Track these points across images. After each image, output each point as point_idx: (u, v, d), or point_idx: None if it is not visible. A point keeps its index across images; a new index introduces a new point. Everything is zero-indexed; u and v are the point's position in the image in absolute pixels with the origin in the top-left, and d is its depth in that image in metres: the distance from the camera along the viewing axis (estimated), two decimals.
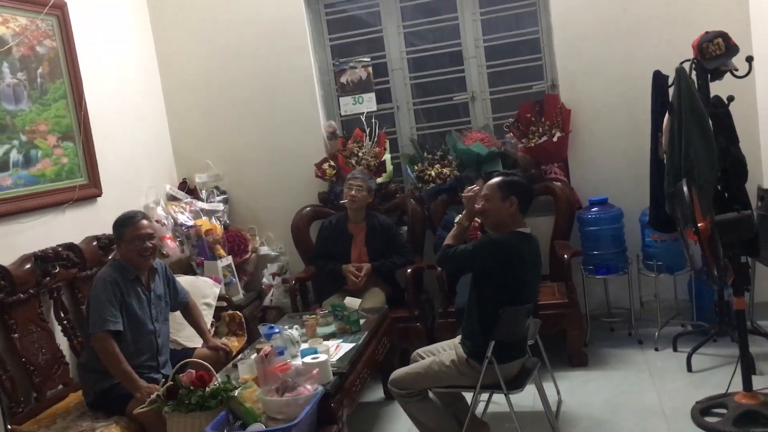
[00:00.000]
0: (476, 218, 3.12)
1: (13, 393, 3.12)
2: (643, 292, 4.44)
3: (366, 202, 4.29)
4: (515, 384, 2.86)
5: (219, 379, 2.65)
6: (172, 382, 2.58)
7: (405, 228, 4.61)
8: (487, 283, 2.83)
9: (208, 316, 4.03)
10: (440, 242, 4.19)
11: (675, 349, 4.06)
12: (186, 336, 3.82)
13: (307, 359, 2.81)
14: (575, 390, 3.70)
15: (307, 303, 4.53)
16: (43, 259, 3.47)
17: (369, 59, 4.87)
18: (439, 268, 4.10)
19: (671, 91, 3.74)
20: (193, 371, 2.58)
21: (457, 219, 3.07)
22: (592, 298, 4.52)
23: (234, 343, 4.03)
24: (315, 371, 2.60)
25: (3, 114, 3.42)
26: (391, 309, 4.02)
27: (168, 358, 3.38)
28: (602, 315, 4.56)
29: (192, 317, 3.60)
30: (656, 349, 4.10)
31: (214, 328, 4.08)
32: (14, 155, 3.47)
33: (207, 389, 2.55)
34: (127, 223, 3.22)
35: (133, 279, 3.22)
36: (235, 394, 2.54)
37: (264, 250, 4.99)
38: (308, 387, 2.54)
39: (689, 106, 3.51)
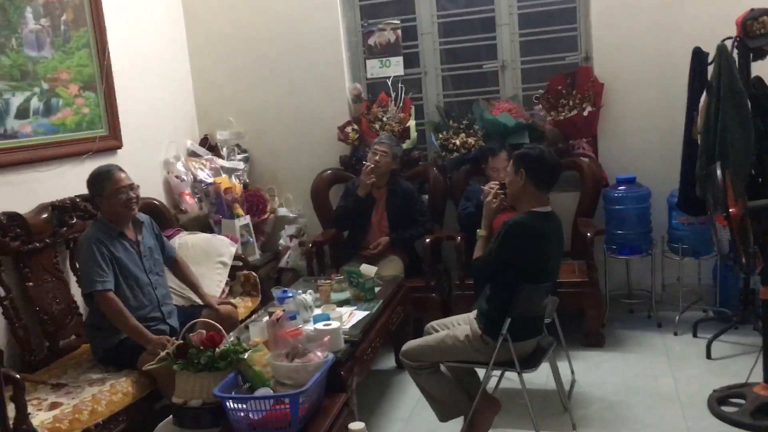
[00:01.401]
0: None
1: (26, 341, 3.14)
2: (666, 274, 4.34)
3: (389, 168, 4.21)
4: (529, 363, 2.80)
5: (229, 340, 2.62)
6: (182, 341, 2.55)
7: (426, 196, 4.53)
8: (504, 259, 2.75)
9: (223, 275, 4.00)
10: (464, 214, 4.14)
11: (695, 335, 3.97)
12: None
13: (319, 325, 2.77)
14: (590, 370, 3.64)
15: (323, 267, 4.48)
16: (60, 209, 3.45)
17: (398, 22, 4.75)
18: (458, 238, 4.06)
19: (710, 69, 3.60)
20: (204, 331, 2.55)
21: (477, 233, 3.01)
22: (612, 278, 4.43)
23: (248, 303, 4.02)
24: (326, 338, 2.56)
25: (25, 60, 3.37)
26: (407, 278, 3.98)
27: (173, 309, 3.38)
28: (622, 296, 4.47)
29: (183, 273, 3.56)
30: (675, 334, 4.03)
31: (228, 288, 4.05)
32: (35, 103, 3.43)
33: (216, 350, 2.52)
34: (105, 176, 3.17)
35: (117, 235, 3.18)
36: (245, 357, 2.51)
37: (282, 211, 4.94)
38: (318, 354, 2.50)
39: (729, 86, 3.38)
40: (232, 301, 3.75)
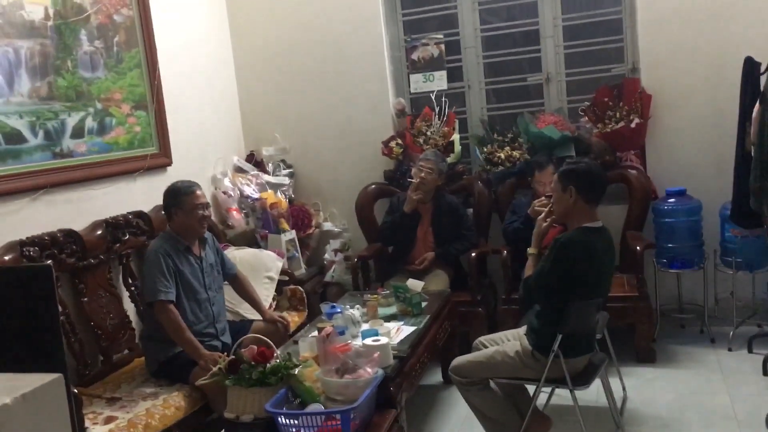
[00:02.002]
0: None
1: (81, 355, 3.21)
2: (719, 289, 4.23)
3: (435, 184, 4.19)
4: (581, 380, 2.76)
5: (280, 355, 2.64)
6: (233, 356, 2.58)
7: (470, 210, 4.51)
8: (556, 277, 2.72)
9: (270, 290, 4.05)
10: (510, 228, 4.11)
11: (750, 351, 3.86)
12: (247, 308, 3.84)
13: (368, 341, 2.78)
14: (641, 387, 3.57)
15: (368, 281, 4.49)
16: (113, 226, 3.53)
17: (442, 36, 4.76)
18: (505, 252, 4.03)
19: (763, 79, 3.52)
20: (255, 347, 2.58)
21: (528, 251, 2.97)
22: (662, 293, 4.34)
23: (294, 317, 4.04)
24: (376, 354, 2.56)
25: (80, 81, 3.47)
26: (452, 292, 3.95)
27: (226, 325, 3.43)
28: (673, 311, 4.38)
29: (244, 289, 3.62)
30: (730, 350, 3.92)
31: (275, 302, 4.09)
32: (89, 122, 3.52)
33: (268, 365, 2.55)
34: (186, 191, 3.26)
35: (184, 249, 3.26)
36: (296, 373, 2.53)
37: (327, 225, 4.97)
38: (368, 370, 2.51)
39: None
40: (284, 315, 3.77)
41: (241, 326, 3.52)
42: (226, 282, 3.56)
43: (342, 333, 2.88)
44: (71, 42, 3.42)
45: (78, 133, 3.45)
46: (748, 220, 3.71)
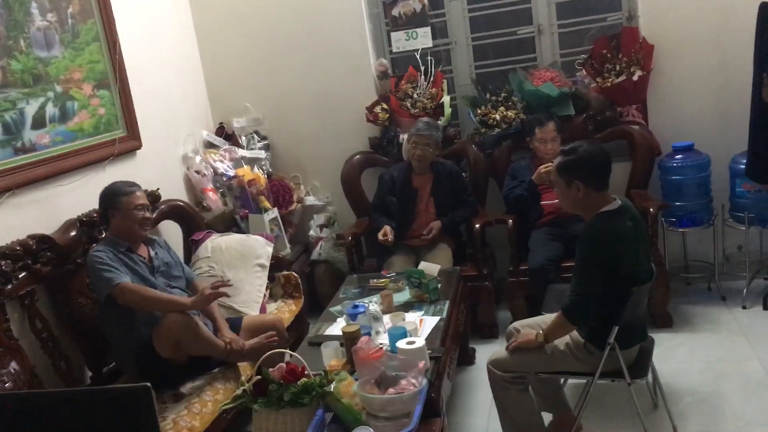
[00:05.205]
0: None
1: (70, 376, 2.87)
2: (726, 244, 4.11)
3: (432, 157, 3.90)
4: (637, 370, 2.57)
5: (309, 370, 2.35)
6: (259, 377, 2.29)
7: (463, 174, 4.23)
8: (600, 271, 2.44)
9: (262, 279, 3.70)
10: (512, 196, 3.88)
11: (765, 308, 3.77)
12: (242, 301, 3.52)
13: (402, 344, 2.50)
14: (666, 356, 3.40)
15: (361, 259, 4.21)
16: (87, 224, 3.15)
17: None
18: (510, 222, 3.81)
19: None
20: (284, 365, 2.29)
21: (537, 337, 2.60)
22: (669, 251, 4.19)
23: (291, 306, 3.75)
24: (421, 364, 2.30)
25: (35, 62, 3.01)
26: (455, 265, 3.72)
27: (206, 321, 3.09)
28: (678, 269, 4.24)
29: None
30: (744, 307, 3.81)
31: (268, 291, 3.77)
32: (50, 109, 3.08)
33: (298, 383, 2.26)
34: (123, 191, 2.94)
35: (126, 249, 2.93)
36: (331, 389, 2.26)
37: (310, 200, 4.64)
38: (413, 381, 2.25)
39: None
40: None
41: (238, 322, 3.21)
42: None
43: (368, 334, 2.61)
44: (22, 18, 2.95)
45: (39, 122, 3.01)
46: (765, 175, 3.56)
